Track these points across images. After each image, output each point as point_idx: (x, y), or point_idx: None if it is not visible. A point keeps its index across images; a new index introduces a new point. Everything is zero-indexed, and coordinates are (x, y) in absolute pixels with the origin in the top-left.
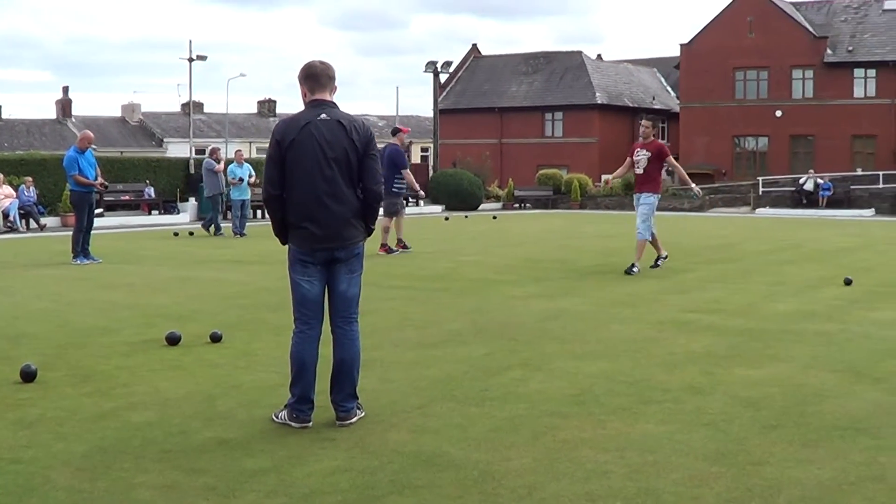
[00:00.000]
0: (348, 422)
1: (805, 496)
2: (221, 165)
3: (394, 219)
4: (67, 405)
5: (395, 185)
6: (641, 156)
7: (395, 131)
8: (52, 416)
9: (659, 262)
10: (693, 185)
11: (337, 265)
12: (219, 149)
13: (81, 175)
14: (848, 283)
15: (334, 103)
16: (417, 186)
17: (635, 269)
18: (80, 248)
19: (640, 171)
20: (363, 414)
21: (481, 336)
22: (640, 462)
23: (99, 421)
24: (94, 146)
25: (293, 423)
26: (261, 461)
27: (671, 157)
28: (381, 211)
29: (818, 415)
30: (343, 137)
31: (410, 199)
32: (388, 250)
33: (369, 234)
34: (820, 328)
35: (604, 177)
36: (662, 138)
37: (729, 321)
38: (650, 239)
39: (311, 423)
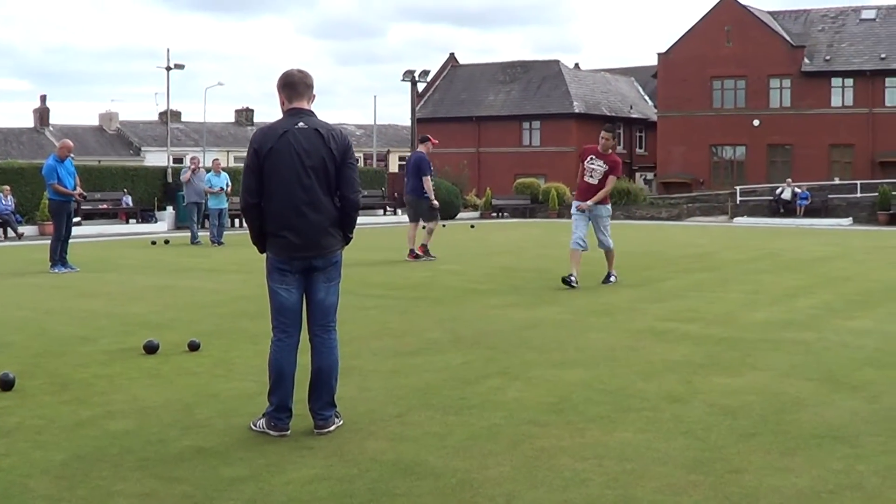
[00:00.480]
0: (326, 430)
1: None
2: (188, 174)
3: (437, 222)
4: (46, 413)
5: (426, 192)
6: (597, 165)
7: (424, 139)
8: (31, 424)
9: (571, 281)
10: (590, 204)
11: (315, 274)
12: (196, 158)
13: (60, 184)
14: None
15: (312, 112)
16: (433, 195)
17: (612, 279)
18: (59, 256)
19: (593, 181)
20: (341, 422)
21: (459, 345)
22: (619, 470)
23: (77, 429)
24: (72, 155)
25: (271, 432)
26: (239, 470)
27: (618, 178)
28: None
29: (796, 423)
30: (321, 146)
31: (389, 209)
32: (426, 253)
33: (347, 243)
34: (798, 337)
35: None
36: (640, 147)
37: (707, 330)
38: (612, 246)
39: (289, 432)
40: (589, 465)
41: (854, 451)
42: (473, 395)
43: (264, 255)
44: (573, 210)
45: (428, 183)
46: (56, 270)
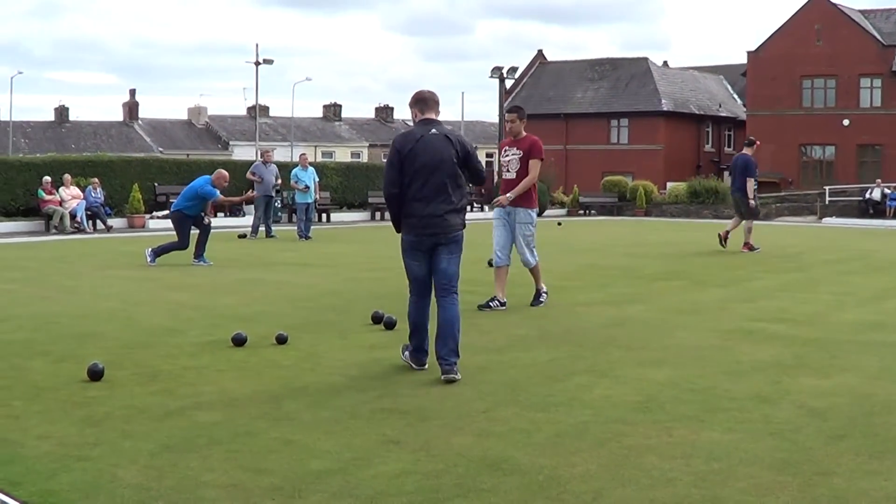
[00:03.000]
0: (451, 376)
1: None
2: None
3: (755, 219)
4: (134, 404)
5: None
6: (511, 156)
7: (751, 143)
8: (120, 414)
9: (492, 305)
10: (510, 196)
11: (439, 248)
12: (269, 152)
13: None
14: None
15: (440, 121)
16: (752, 195)
17: (543, 298)
18: (160, 251)
19: (510, 174)
20: (459, 378)
21: (546, 342)
22: (706, 470)
23: (165, 420)
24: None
25: (413, 365)
26: (326, 463)
27: (540, 161)
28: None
29: (886, 426)
30: (449, 148)
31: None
32: (751, 248)
33: (481, 183)
34: (888, 339)
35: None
36: (728, 146)
37: (796, 330)
38: (537, 262)
39: (426, 367)
40: (676, 464)
41: None
42: (560, 392)
43: (399, 235)
44: (494, 214)
45: (751, 184)
46: (149, 259)
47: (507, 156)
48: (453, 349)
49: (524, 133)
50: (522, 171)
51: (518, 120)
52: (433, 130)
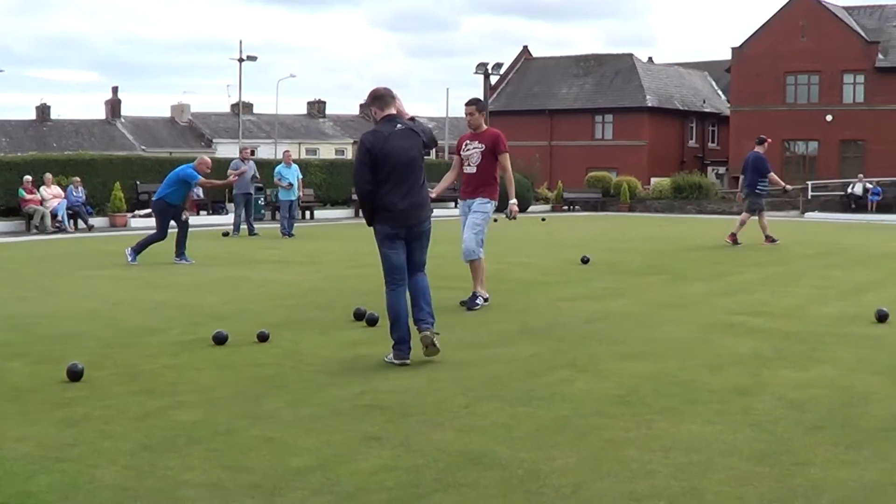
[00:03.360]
0: (429, 334)
1: (848, 497)
2: (242, 168)
3: (752, 216)
4: (114, 404)
5: (758, 188)
6: (473, 149)
7: (761, 141)
8: (99, 414)
9: (479, 302)
10: (513, 203)
11: (412, 239)
12: (247, 149)
13: (188, 193)
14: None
15: (400, 117)
16: (783, 183)
17: (479, 302)
18: (140, 247)
19: (471, 168)
20: (439, 348)
21: (528, 337)
22: (685, 462)
23: (145, 419)
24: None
25: (395, 361)
26: (306, 460)
27: (507, 153)
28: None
29: (863, 417)
30: (417, 140)
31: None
32: (735, 241)
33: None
34: (867, 331)
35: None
36: (712, 142)
37: (776, 324)
38: (482, 257)
39: (409, 361)
40: (656, 456)
41: None
42: (541, 386)
43: (373, 228)
44: (459, 210)
45: (774, 177)
46: (131, 259)
47: (467, 150)
48: (429, 312)
49: (484, 126)
50: (483, 165)
51: (477, 112)
52: (398, 126)
